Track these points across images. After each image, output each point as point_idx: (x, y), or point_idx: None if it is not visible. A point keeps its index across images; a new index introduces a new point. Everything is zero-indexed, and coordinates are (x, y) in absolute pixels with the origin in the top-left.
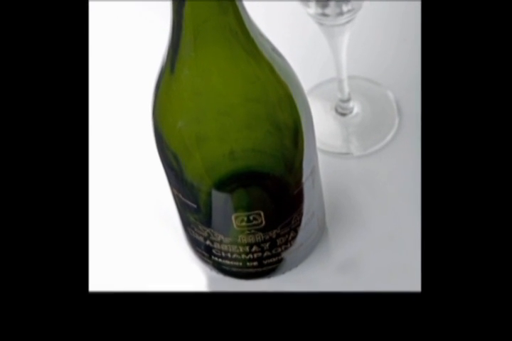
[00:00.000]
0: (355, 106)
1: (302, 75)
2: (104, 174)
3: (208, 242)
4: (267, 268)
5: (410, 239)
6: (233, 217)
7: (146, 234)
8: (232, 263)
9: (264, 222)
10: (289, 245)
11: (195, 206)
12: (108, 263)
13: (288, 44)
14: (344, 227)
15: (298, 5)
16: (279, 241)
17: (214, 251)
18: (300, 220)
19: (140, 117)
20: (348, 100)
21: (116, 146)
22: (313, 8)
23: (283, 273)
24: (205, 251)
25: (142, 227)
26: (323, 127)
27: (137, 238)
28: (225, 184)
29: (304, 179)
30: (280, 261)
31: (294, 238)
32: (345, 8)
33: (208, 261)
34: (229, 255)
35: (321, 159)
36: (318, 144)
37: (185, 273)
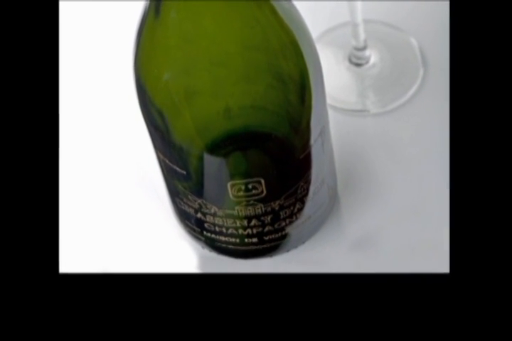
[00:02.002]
0: (372, 55)
1: (310, 19)
2: (77, 136)
3: (199, 215)
4: (268, 245)
5: (437, 211)
6: (229, 186)
7: (126, 206)
8: (227, 239)
9: (265, 192)
10: (294, 218)
11: (184, 172)
12: (82, 240)
13: None
14: (359, 197)
15: None
16: (282, 214)
17: (206, 225)
18: (307, 189)
19: (119, 69)
20: (363, 48)
21: (91, 103)
22: None
23: (287, 251)
24: (195, 225)
25: (122, 198)
26: (335, 80)
27: (116, 210)
28: (219, 146)
29: (311, 141)
30: (284, 237)
31: (300, 210)
32: None
33: (200, 237)
34: (224, 230)
35: (332, 117)
36: (328, 100)
37: (173, 251)
